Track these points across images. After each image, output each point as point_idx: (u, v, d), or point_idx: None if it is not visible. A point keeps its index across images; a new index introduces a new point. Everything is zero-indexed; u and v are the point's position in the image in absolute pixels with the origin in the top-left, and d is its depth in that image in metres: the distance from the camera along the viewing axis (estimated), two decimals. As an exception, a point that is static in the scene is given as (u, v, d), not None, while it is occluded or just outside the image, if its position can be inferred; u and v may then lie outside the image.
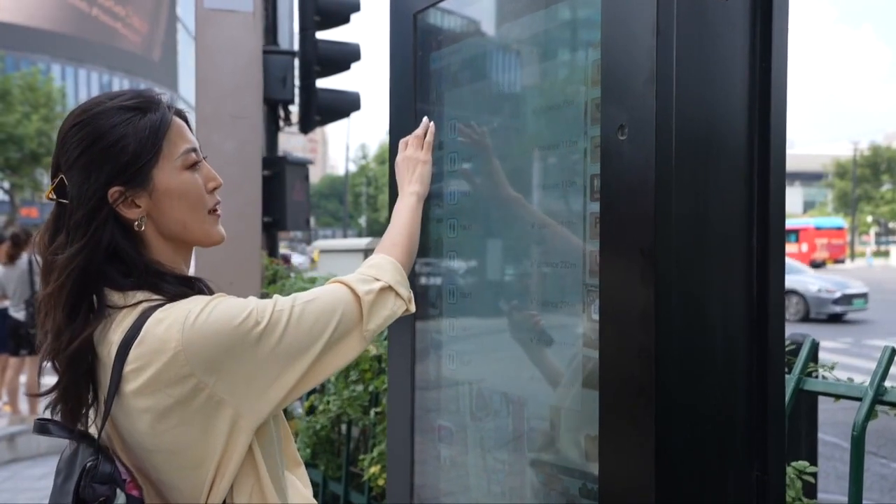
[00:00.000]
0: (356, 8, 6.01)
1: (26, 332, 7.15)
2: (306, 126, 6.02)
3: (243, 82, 2.73)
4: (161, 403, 1.03)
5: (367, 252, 6.44)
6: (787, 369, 1.39)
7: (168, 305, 1.08)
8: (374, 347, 3.46)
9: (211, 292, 1.16)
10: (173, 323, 1.04)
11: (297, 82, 5.80)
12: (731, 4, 1.14)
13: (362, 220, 55.38)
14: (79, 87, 49.41)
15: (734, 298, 1.16)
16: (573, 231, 1.29)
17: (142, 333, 1.05)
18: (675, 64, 1.08)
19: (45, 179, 32.22)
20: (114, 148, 1.12)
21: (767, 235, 1.17)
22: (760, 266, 1.17)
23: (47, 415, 1.13)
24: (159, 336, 1.04)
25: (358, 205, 55.75)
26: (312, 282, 4.31)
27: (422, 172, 1.51)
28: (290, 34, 6.07)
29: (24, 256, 7.30)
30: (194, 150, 1.19)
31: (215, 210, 1.21)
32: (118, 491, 1.05)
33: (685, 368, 1.11)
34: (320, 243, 6.98)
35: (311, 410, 3.71)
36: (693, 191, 1.13)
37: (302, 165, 5.78)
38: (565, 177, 1.30)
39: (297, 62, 5.81)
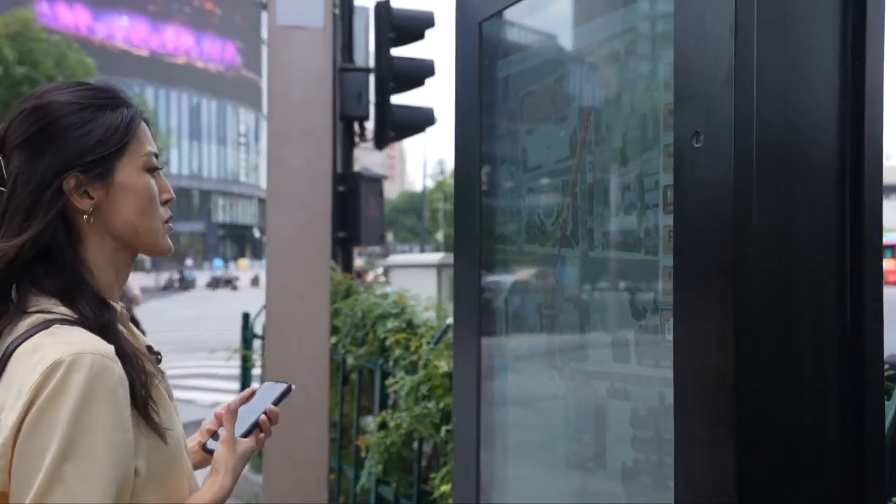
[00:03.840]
0: (431, 24, 6.03)
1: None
2: (381, 142, 6.07)
3: (313, 98, 2.74)
4: None
5: (440, 268, 6.46)
6: (886, 396, 1.27)
7: (55, 330, 1.00)
8: (445, 364, 3.41)
9: (109, 330, 1.05)
10: (33, 366, 0.96)
11: (372, 99, 5.86)
12: (821, 5, 1.04)
13: (439, 236, 55.67)
14: (170, 108, 51.55)
15: (824, 320, 1.05)
16: (648, 245, 1.21)
17: (18, 350, 0.99)
18: (755, 64, 0.99)
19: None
20: (77, 130, 1.07)
21: (862, 252, 1.06)
22: (854, 285, 1.06)
23: None
24: (20, 376, 0.97)
25: (435, 220, 56.10)
26: (384, 297, 4.31)
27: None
28: (366, 51, 6.13)
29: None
30: (156, 155, 1.16)
31: (167, 222, 1.17)
32: None
33: (769, 396, 1.02)
34: (391, 259, 6.99)
35: (382, 426, 3.69)
36: (776, 202, 1.03)
37: (377, 181, 5.83)
38: (638, 187, 1.22)
39: (372, 79, 5.87)
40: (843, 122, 1.08)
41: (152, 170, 1.14)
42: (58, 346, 0.97)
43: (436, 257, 6.41)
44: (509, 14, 1.53)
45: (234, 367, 6.76)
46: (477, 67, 1.57)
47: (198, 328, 14.55)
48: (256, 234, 57.55)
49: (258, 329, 5.72)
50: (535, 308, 1.51)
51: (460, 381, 1.67)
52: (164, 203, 1.16)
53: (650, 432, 1.21)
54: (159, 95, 50.20)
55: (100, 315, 1.05)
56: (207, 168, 55.62)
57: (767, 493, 1.02)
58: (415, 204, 54.06)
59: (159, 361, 1.19)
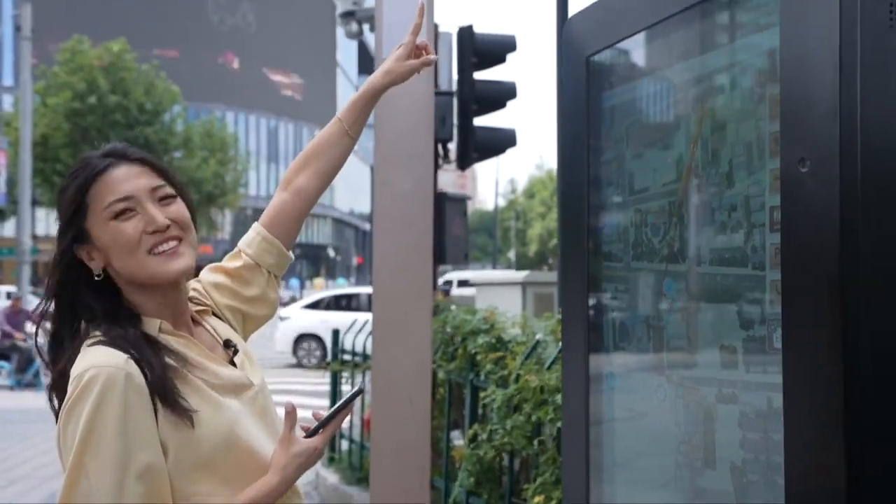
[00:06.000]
0: (512, 48, 6.19)
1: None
2: (464, 163, 6.24)
3: (417, 123, 2.91)
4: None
5: (525, 285, 6.60)
6: None
7: (84, 352, 1.24)
8: (535, 378, 3.52)
9: (126, 342, 1.24)
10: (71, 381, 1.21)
11: (455, 121, 6.05)
12: (919, 36, 1.14)
13: (511, 254, 55.61)
14: (248, 131, 53.20)
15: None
16: (755, 261, 1.31)
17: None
18: (859, 99, 1.10)
19: (219, 218, 34.85)
20: (60, 212, 1.31)
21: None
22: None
23: None
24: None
25: (507, 239, 56.11)
26: (473, 313, 4.44)
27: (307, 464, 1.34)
28: (449, 75, 6.32)
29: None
30: (123, 199, 1.27)
31: (158, 249, 1.28)
32: None
33: (878, 399, 1.11)
34: (476, 276, 7.16)
35: (473, 439, 3.81)
36: (881, 223, 1.13)
37: (461, 201, 5.99)
38: (745, 207, 1.33)
39: (455, 102, 6.06)
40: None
41: (122, 213, 1.28)
42: (81, 363, 1.22)
43: (520, 275, 6.55)
44: (616, 48, 1.66)
45: (314, 384, 6.97)
46: (584, 98, 1.70)
47: (272, 345, 15.01)
48: (331, 253, 58.63)
49: (347, 345, 5.94)
50: (642, 321, 1.62)
51: (570, 393, 1.79)
52: (152, 233, 1.28)
53: (759, 434, 1.31)
54: (239, 119, 51.91)
55: (120, 332, 1.25)
56: (284, 189, 57.16)
57: (877, 493, 1.11)
58: (486, 223, 54.22)
59: (235, 354, 1.39)
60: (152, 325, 1.31)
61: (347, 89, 66.94)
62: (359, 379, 5.67)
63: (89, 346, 1.25)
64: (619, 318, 1.69)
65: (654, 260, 1.57)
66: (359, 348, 5.75)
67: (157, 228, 1.29)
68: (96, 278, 1.31)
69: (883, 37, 1.13)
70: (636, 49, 1.64)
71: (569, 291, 1.80)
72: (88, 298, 1.30)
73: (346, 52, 62.44)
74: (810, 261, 1.16)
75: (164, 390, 1.23)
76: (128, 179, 1.29)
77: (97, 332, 1.27)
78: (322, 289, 36.24)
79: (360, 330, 5.77)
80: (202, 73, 47.81)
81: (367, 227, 55.46)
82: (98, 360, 1.21)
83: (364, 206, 56.87)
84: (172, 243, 1.30)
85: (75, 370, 1.21)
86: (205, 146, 31.85)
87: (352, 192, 59.87)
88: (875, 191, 1.13)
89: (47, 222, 42.73)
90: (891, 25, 1.13)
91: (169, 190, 1.33)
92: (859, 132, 1.11)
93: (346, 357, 5.99)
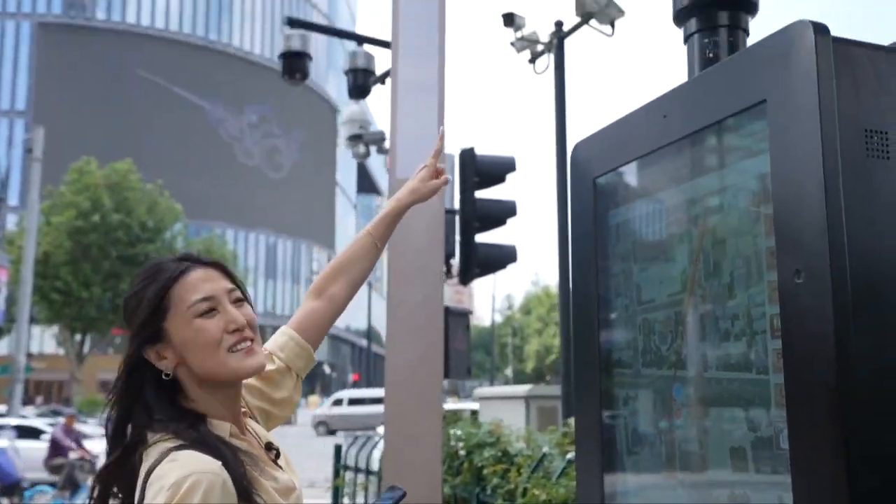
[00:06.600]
0: (512, 168, 6.46)
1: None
2: (466, 278, 6.38)
3: (430, 239, 3.07)
4: None
5: (528, 399, 6.60)
6: None
7: (174, 457, 1.26)
8: (542, 492, 3.52)
9: (207, 443, 1.30)
10: (160, 489, 1.22)
11: (457, 237, 6.24)
12: (894, 163, 1.29)
13: (508, 371, 55.12)
14: (248, 248, 53.85)
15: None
16: (758, 366, 1.41)
17: (151, 478, 1.24)
18: (844, 219, 1.23)
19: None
20: (135, 313, 1.36)
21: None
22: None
23: None
24: (150, 497, 1.23)
25: (504, 355, 55.75)
26: (478, 427, 4.46)
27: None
28: (452, 194, 6.57)
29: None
30: (206, 298, 1.36)
31: (237, 347, 1.36)
32: None
33: (881, 495, 1.18)
34: (479, 391, 7.23)
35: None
36: (871, 328, 1.24)
37: (463, 315, 6.08)
38: (746, 316, 1.44)
39: (457, 219, 6.27)
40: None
41: (207, 313, 1.36)
42: (176, 468, 1.23)
43: (523, 389, 6.58)
44: (621, 171, 1.81)
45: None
46: (592, 217, 1.84)
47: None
48: (327, 370, 58.06)
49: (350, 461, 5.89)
50: (653, 425, 1.70)
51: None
52: (233, 331, 1.36)
53: (772, 533, 1.37)
54: (238, 236, 52.67)
55: (196, 435, 1.30)
56: (281, 305, 57.25)
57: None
58: (484, 339, 54.10)
59: (278, 456, 1.45)
60: (223, 429, 1.37)
61: (346, 208, 68.32)
62: (361, 494, 5.59)
63: (174, 449, 1.28)
64: (631, 423, 1.76)
65: (662, 367, 1.66)
66: (362, 463, 5.70)
67: (237, 327, 1.37)
68: (165, 377, 1.37)
69: (861, 165, 1.28)
70: (639, 171, 1.80)
71: (582, 411, 1.88)
72: (153, 399, 1.36)
73: (346, 172, 64.12)
74: (810, 366, 1.26)
75: (248, 495, 1.28)
76: (207, 281, 1.38)
77: (167, 434, 1.32)
78: (316, 407, 35.73)
79: (363, 444, 5.74)
80: (205, 191, 48.89)
81: (363, 343, 55.21)
82: (196, 466, 1.24)
83: (361, 323, 56.78)
84: (248, 342, 1.39)
85: (171, 476, 1.22)
86: (204, 263, 32.08)
87: (349, 308, 59.94)
88: (865, 301, 1.24)
89: (41, 339, 42.53)
90: (867, 155, 1.28)
91: (239, 293, 1.43)
92: (846, 248, 1.24)
93: (349, 473, 5.93)
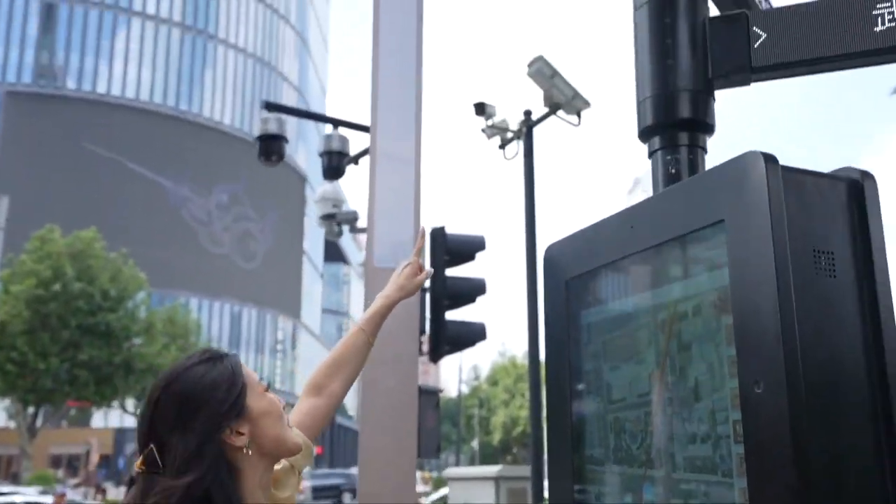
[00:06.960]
0: (482, 247, 6.61)
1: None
2: (436, 355, 6.44)
3: (405, 324, 3.14)
4: None
5: (498, 480, 6.58)
6: None
7: None
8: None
9: None
10: None
11: (427, 315, 6.31)
12: (840, 280, 1.41)
13: (475, 444, 54.40)
14: (212, 317, 53.12)
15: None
16: (723, 469, 1.49)
17: None
18: (797, 330, 1.34)
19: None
20: (211, 393, 1.34)
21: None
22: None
23: None
24: None
25: (470, 427, 55.13)
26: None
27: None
28: (422, 273, 6.67)
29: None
30: (262, 378, 1.47)
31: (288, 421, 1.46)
32: None
33: None
34: (450, 471, 7.17)
35: None
36: (827, 433, 1.33)
37: (433, 394, 6.13)
38: (711, 420, 1.53)
39: (428, 297, 6.36)
40: (870, 366, 1.40)
41: (267, 388, 1.47)
42: None
43: (493, 469, 6.56)
44: (592, 273, 1.92)
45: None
46: (565, 315, 1.94)
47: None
48: (290, 442, 56.73)
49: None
50: (625, 522, 1.76)
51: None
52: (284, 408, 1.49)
53: None
54: (203, 305, 51.99)
55: None
56: (244, 375, 56.30)
57: None
58: (450, 411, 53.52)
59: None
60: None
61: (313, 276, 67.99)
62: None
63: None
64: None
65: (633, 465, 1.73)
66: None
67: (284, 404, 1.47)
68: (247, 452, 1.37)
69: (811, 281, 1.39)
70: (609, 275, 1.90)
71: (556, 497, 1.94)
72: (230, 483, 1.33)
73: (313, 241, 64.11)
74: (772, 470, 1.34)
75: None
76: None
77: None
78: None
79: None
80: (170, 261, 48.41)
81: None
82: None
83: (325, 394, 55.77)
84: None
85: None
86: (167, 332, 31.67)
87: (314, 379, 59.00)
88: (820, 406, 1.34)
89: (-6, 413, 41.04)
90: (816, 273, 1.40)
91: None
92: (800, 357, 1.34)
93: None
